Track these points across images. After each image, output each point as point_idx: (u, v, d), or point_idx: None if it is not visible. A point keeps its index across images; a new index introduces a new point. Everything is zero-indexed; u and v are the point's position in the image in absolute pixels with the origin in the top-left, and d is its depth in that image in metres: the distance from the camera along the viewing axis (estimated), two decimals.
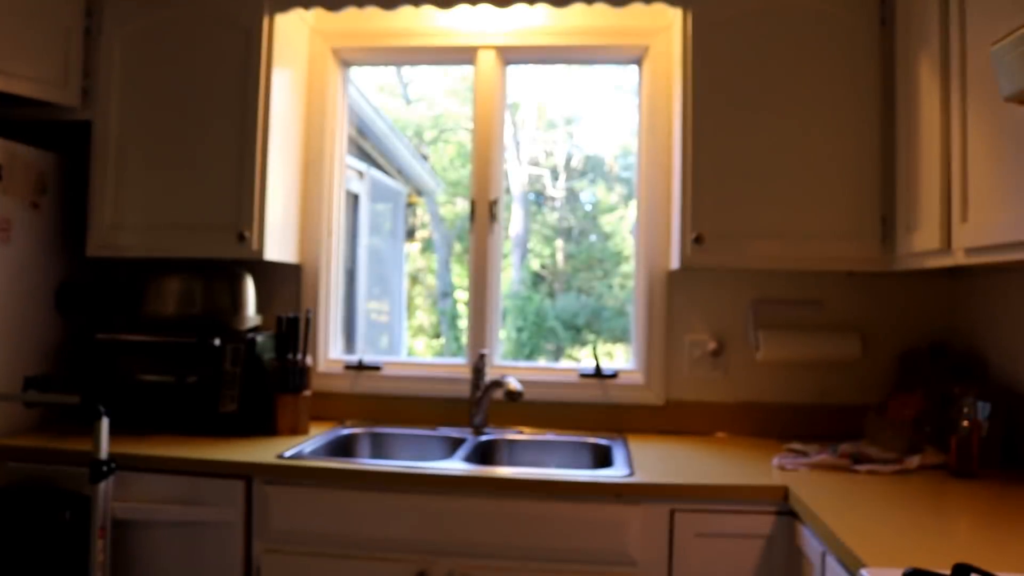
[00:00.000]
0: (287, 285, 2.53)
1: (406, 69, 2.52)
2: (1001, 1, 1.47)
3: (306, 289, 2.53)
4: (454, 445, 2.19)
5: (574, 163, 9.59)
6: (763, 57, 2.09)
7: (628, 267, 8.34)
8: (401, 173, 3.53)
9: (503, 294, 2.64)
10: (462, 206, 2.55)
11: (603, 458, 2.12)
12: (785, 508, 1.70)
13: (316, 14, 2.42)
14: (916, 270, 1.93)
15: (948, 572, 1.03)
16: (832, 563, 1.40)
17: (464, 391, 2.37)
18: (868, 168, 2.05)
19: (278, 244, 2.32)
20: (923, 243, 1.79)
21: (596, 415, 2.38)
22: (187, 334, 2.17)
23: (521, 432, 2.32)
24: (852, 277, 2.30)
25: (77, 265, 2.31)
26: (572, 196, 9.72)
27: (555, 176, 9.56)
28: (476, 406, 2.31)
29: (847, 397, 2.28)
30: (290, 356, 2.24)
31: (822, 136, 2.06)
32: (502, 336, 2.63)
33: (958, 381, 2.06)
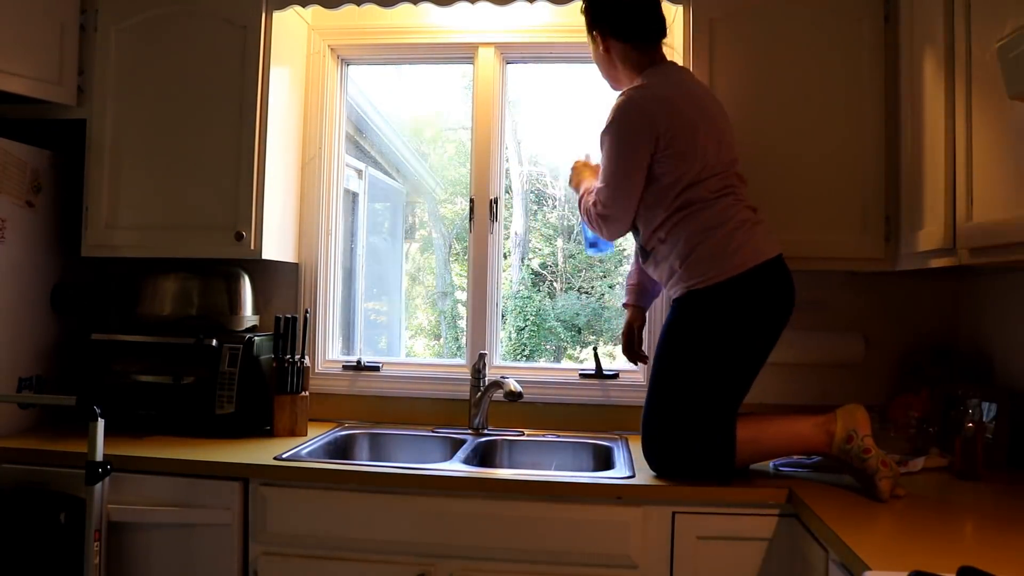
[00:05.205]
0: (285, 285, 2.52)
1: (405, 67, 2.51)
2: None
3: (304, 289, 2.51)
4: (454, 446, 2.17)
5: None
6: (764, 54, 2.07)
7: (629, 266, 8.31)
8: (400, 172, 3.52)
9: (503, 294, 2.62)
10: (462, 205, 2.54)
11: (604, 459, 2.11)
12: (787, 510, 1.69)
13: (314, 11, 2.40)
14: (920, 270, 1.91)
15: (953, 575, 1.01)
16: (835, 566, 1.39)
17: (464, 392, 2.35)
18: (871, 166, 2.03)
19: (276, 243, 2.30)
20: (927, 243, 1.78)
21: (597, 416, 2.36)
22: (184, 334, 2.15)
23: (521, 433, 2.31)
24: (855, 277, 2.28)
25: (73, 265, 2.29)
26: (573, 195, 9.69)
27: (555, 175, 9.53)
28: (476, 407, 2.30)
29: (850, 398, 2.24)
30: (288, 357, 2.23)
31: (824, 134, 2.05)
32: (502, 336, 2.62)
33: (963, 382, 2.04)
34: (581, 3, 1.99)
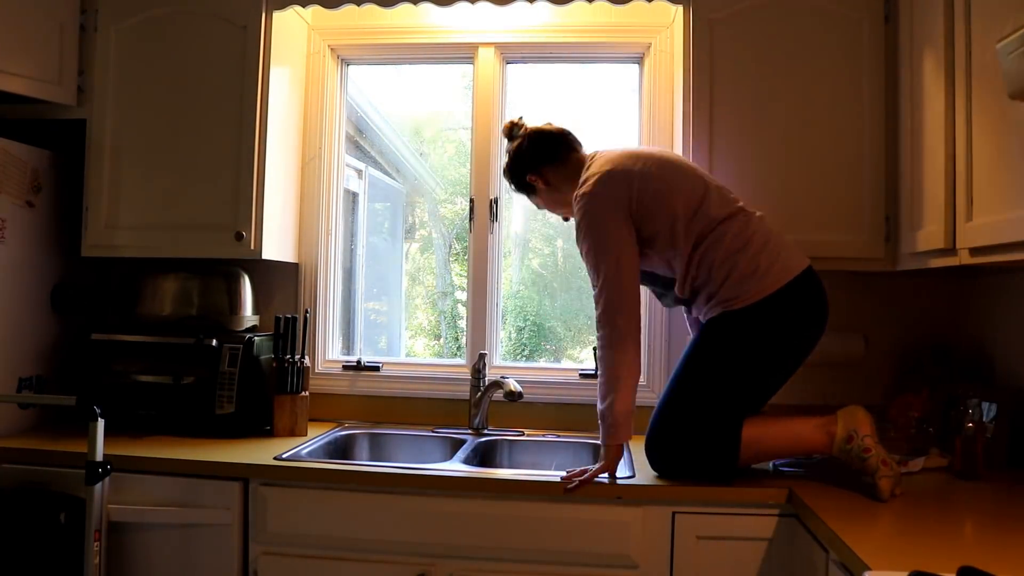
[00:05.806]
0: (285, 285, 2.52)
1: (405, 67, 2.50)
2: None
3: (304, 289, 2.51)
4: (454, 446, 2.17)
5: None
6: (765, 55, 2.07)
7: None
8: (400, 172, 3.51)
9: (503, 294, 2.62)
10: (462, 205, 2.53)
11: None
12: (787, 510, 1.69)
13: (314, 11, 2.40)
14: (920, 270, 1.91)
15: (952, 575, 1.02)
16: (835, 566, 1.39)
17: (464, 391, 2.35)
18: (872, 167, 2.03)
19: (276, 243, 2.30)
20: (927, 243, 1.78)
21: (597, 416, 2.35)
22: (184, 334, 2.15)
23: (521, 433, 2.31)
24: (855, 277, 2.28)
25: (73, 265, 2.29)
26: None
27: None
28: (476, 407, 2.30)
29: (850, 398, 2.25)
30: (288, 356, 2.23)
31: (825, 134, 2.05)
32: (502, 336, 2.62)
33: (963, 382, 2.04)
34: (506, 180, 2.07)
